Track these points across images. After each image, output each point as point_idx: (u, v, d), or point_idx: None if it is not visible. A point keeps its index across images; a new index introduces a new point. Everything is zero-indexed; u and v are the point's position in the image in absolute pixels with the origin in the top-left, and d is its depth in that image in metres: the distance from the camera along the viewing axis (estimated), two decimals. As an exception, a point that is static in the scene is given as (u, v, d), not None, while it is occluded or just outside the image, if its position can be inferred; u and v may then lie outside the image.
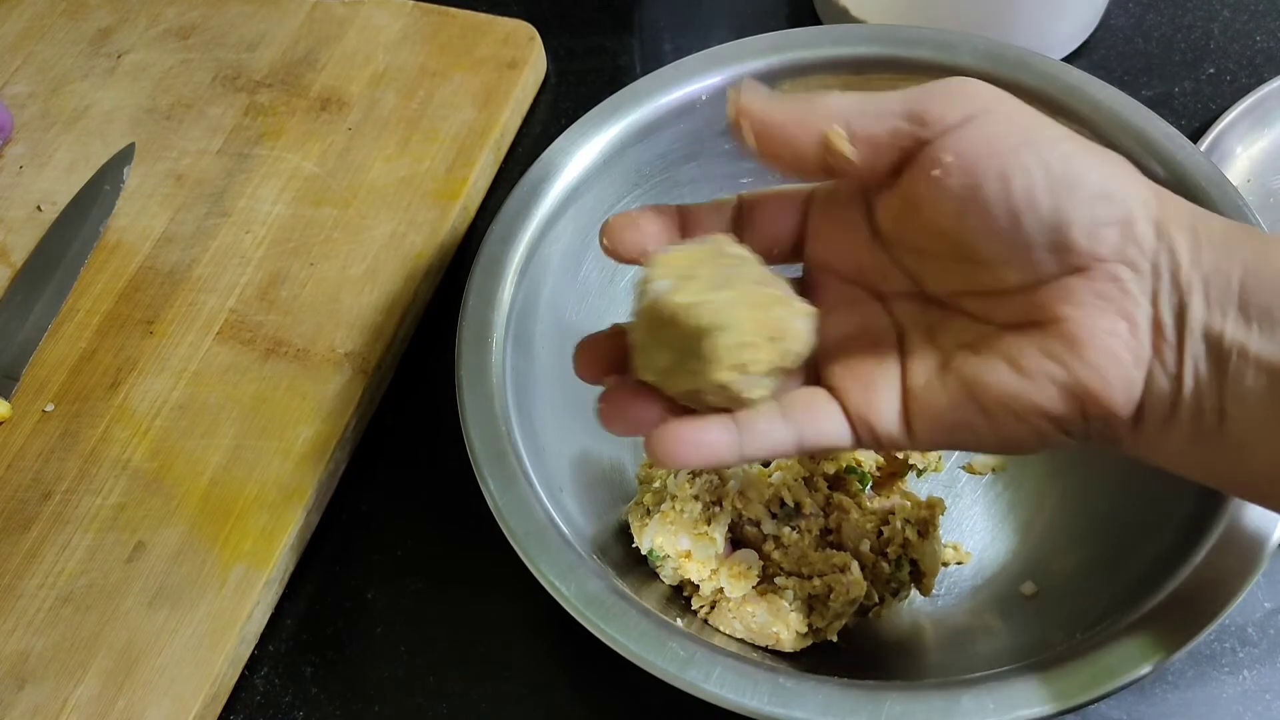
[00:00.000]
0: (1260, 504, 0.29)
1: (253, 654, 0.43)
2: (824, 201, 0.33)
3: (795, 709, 0.32)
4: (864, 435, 0.31)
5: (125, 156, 0.55)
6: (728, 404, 0.30)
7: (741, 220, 0.34)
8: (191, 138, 0.56)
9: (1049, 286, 0.28)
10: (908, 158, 0.29)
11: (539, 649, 0.43)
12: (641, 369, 0.31)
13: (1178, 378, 0.28)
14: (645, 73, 0.46)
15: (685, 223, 0.33)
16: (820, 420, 0.31)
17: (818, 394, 0.32)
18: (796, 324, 0.29)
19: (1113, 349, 0.28)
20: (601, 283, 0.47)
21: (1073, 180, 0.27)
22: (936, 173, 0.28)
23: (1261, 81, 0.54)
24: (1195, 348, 0.28)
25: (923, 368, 0.31)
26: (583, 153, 0.44)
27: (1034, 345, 0.29)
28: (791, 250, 0.34)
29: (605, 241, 0.32)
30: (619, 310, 0.47)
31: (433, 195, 0.53)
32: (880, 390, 0.31)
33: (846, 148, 0.29)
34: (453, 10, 0.60)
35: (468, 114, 0.56)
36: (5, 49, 0.61)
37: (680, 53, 0.47)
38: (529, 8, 0.63)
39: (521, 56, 0.58)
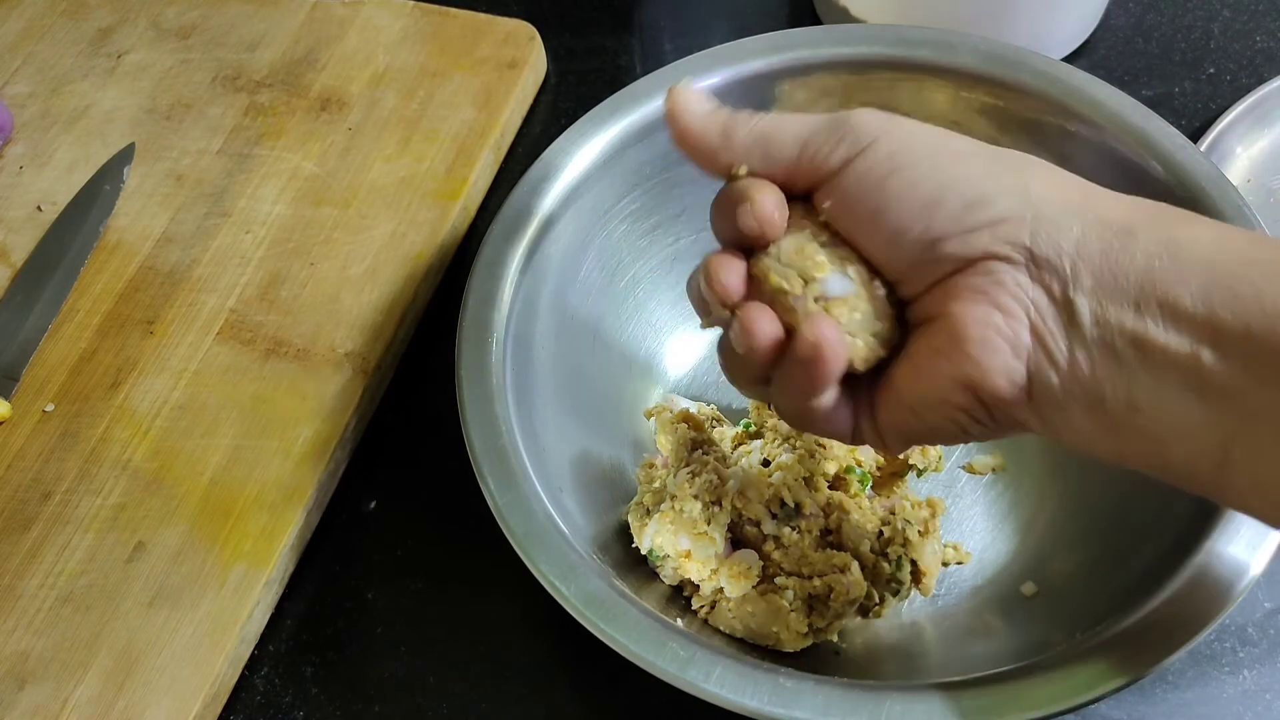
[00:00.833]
0: (1181, 488, 0.29)
1: (253, 654, 0.43)
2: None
3: (795, 709, 0.32)
4: (855, 437, 0.33)
5: (125, 156, 0.55)
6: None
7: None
8: (191, 138, 0.56)
9: (939, 286, 0.30)
10: (812, 187, 0.31)
11: (539, 649, 0.43)
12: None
13: (1069, 365, 0.28)
14: (645, 73, 0.46)
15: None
16: (839, 412, 0.32)
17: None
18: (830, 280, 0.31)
19: (987, 338, 0.29)
20: (601, 283, 0.47)
21: (938, 198, 0.29)
22: (822, 217, 0.31)
23: (1261, 81, 0.54)
24: (1087, 336, 0.28)
25: (880, 377, 0.32)
26: (583, 153, 0.44)
27: (926, 342, 0.30)
28: None
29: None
30: (619, 310, 0.47)
31: (433, 195, 0.53)
32: (860, 400, 0.33)
33: (743, 173, 0.31)
34: (453, 10, 0.60)
35: (468, 114, 0.56)
36: (5, 49, 0.61)
37: (680, 53, 0.47)
38: (529, 8, 0.63)
39: (521, 56, 0.58)
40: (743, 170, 0.31)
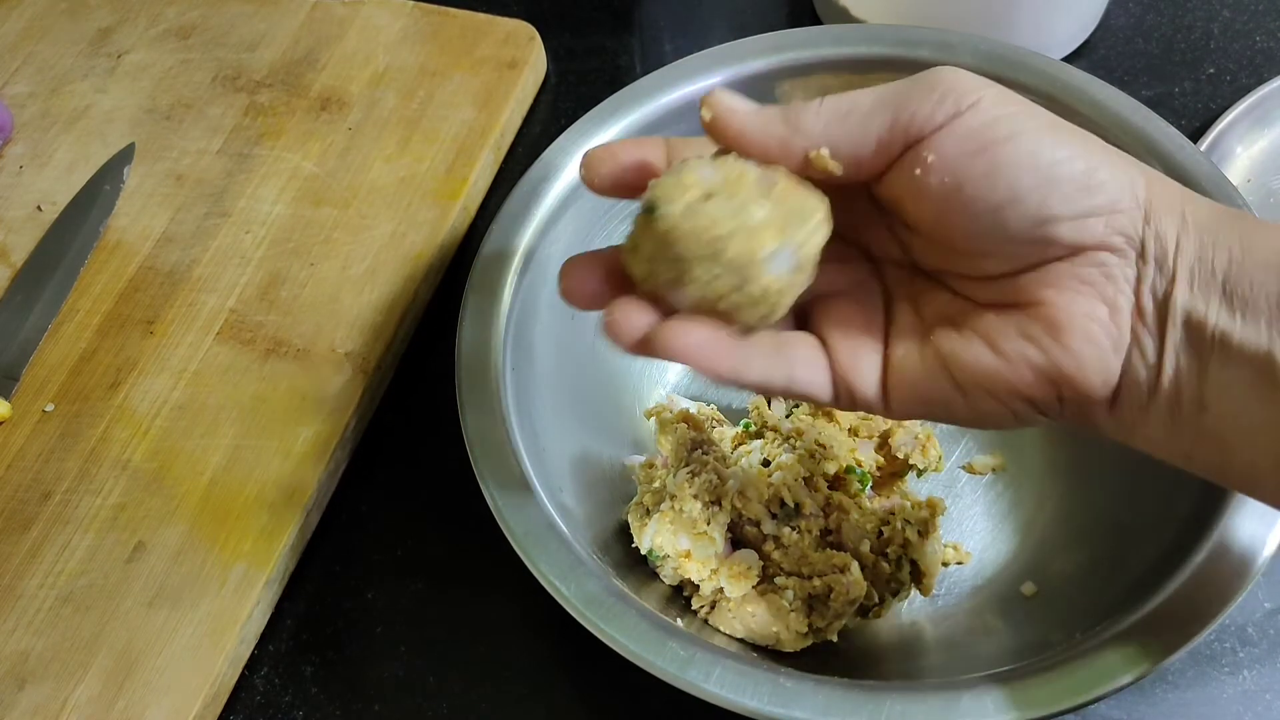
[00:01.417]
0: (1241, 492, 0.29)
1: (253, 654, 0.43)
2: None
3: (795, 709, 0.32)
4: (843, 395, 0.31)
5: (125, 156, 0.55)
6: (734, 315, 0.29)
7: None
8: (191, 138, 0.56)
9: (1032, 271, 0.28)
10: (896, 157, 0.29)
11: (539, 649, 0.43)
12: (628, 262, 0.29)
13: (1158, 364, 0.28)
14: (645, 73, 0.46)
15: (672, 155, 0.31)
16: (809, 368, 0.31)
17: (811, 342, 0.31)
18: (770, 261, 0.28)
19: (1091, 334, 0.28)
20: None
21: (1056, 174, 0.27)
22: (918, 172, 0.28)
23: (1261, 81, 0.54)
24: (1176, 334, 0.27)
25: (904, 337, 0.31)
26: (582, 153, 0.44)
27: (1013, 327, 0.29)
28: None
29: (583, 172, 0.31)
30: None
31: (433, 195, 0.53)
32: (863, 354, 0.31)
33: (832, 166, 0.29)
34: (453, 10, 0.60)
35: (468, 114, 0.56)
36: (5, 49, 0.61)
37: (680, 53, 0.47)
38: (529, 8, 0.63)
39: (521, 56, 0.58)
40: (825, 152, 0.28)
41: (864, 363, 0.31)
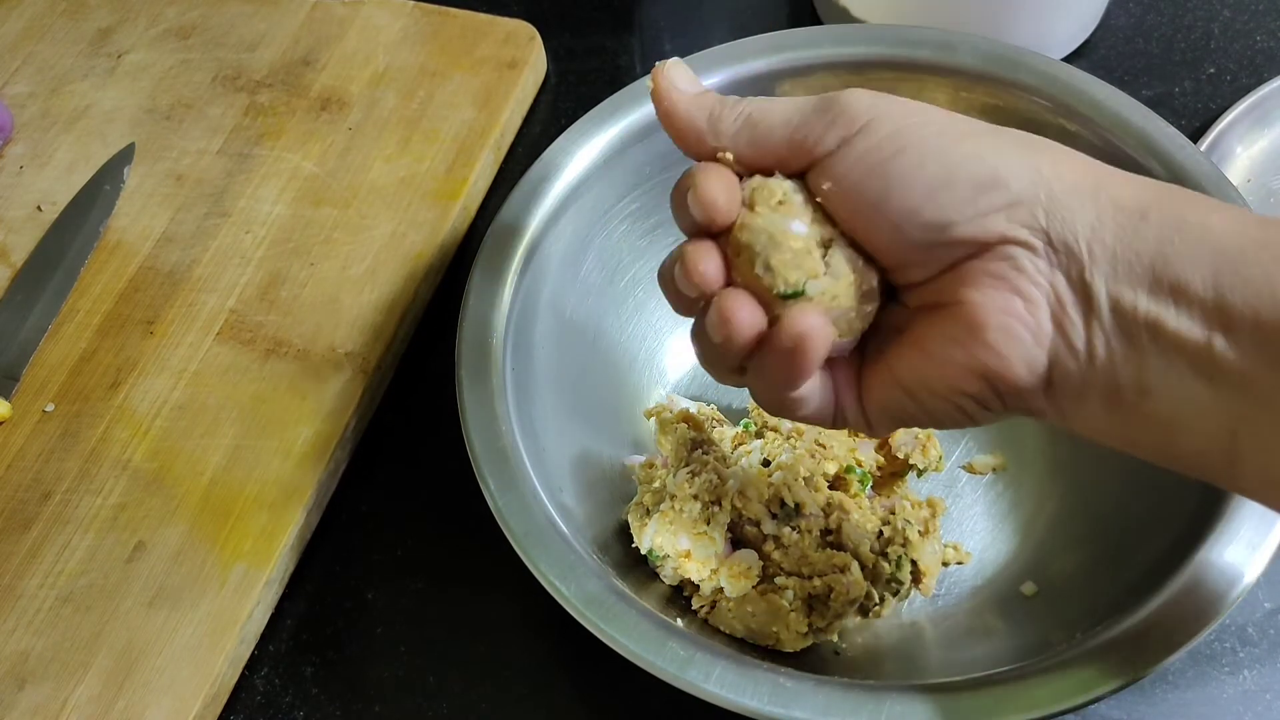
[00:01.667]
0: (1189, 475, 0.29)
1: (253, 654, 0.43)
2: None
3: (795, 709, 0.32)
4: (838, 420, 0.32)
5: (125, 156, 0.55)
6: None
7: None
8: (191, 138, 0.56)
9: (949, 273, 0.29)
10: (803, 170, 0.30)
11: (539, 649, 0.43)
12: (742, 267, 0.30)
13: (1088, 352, 0.28)
14: (645, 73, 0.46)
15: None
16: (821, 399, 0.32)
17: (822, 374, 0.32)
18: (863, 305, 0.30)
19: (1008, 327, 0.28)
20: (601, 283, 0.47)
21: (948, 180, 0.28)
22: (819, 199, 0.29)
23: (1261, 81, 0.54)
24: (1104, 322, 0.27)
25: (870, 352, 0.32)
26: (583, 153, 0.44)
27: (938, 329, 0.29)
28: None
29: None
30: (619, 310, 0.47)
31: (433, 195, 0.53)
32: (844, 381, 0.32)
33: (735, 169, 0.30)
34: (453, 10, 0.60)
35: (468, 114, 0.56)
36: (5, 49, 0.61)
37: (680, 53, 0.46)
38: (529, 8, 0.63)
39: (521, 56, 0.58)
40: (729, 156, 0.30)
41: (847, 389, 0.32)
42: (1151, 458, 0.29)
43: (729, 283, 0.30)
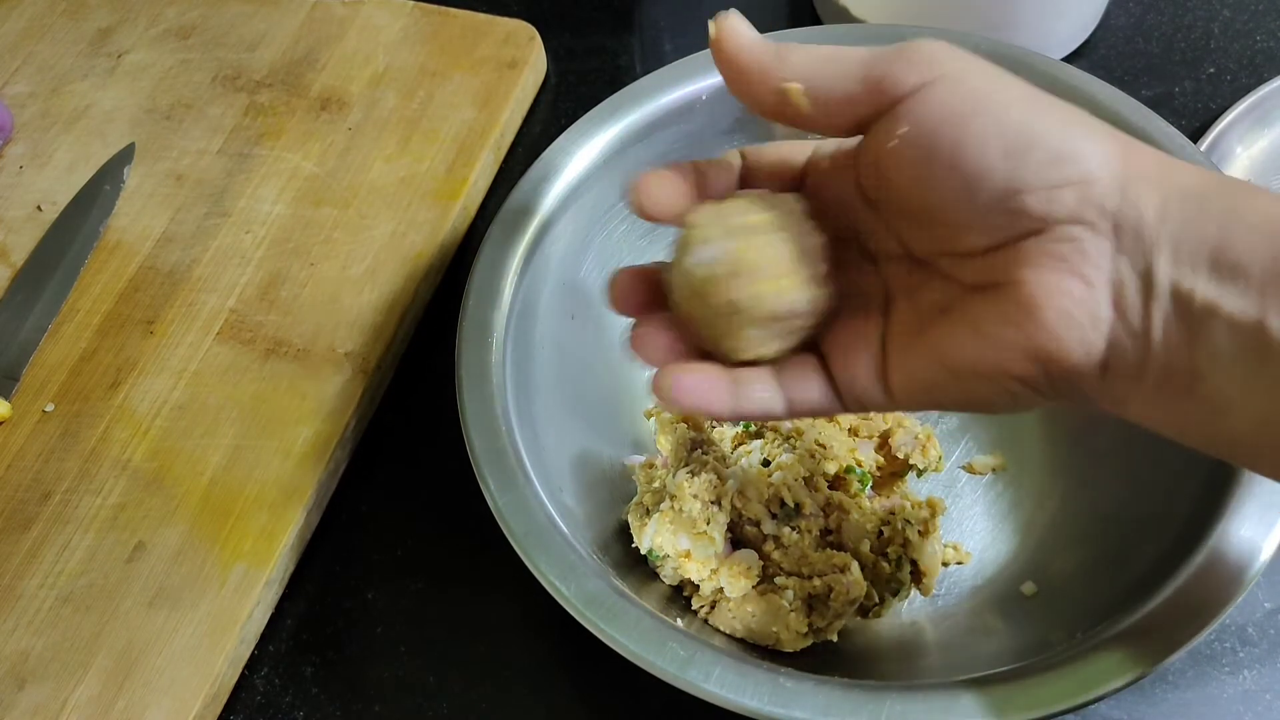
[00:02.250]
0: (1237, 464, 0.28)
1: (253, 654, 0.43)
2: (820, 166, 0.34)
3: (795, 709, 0.32)
4: (848, 400, 0.32)
5: (125, 156, 0.55)
6: (742, 357, 0.32)
7: (745, 181, 0.34)
8: (191, 138, 0.56)
9: (1008, 249, 0.28)
10: (867, 121, 0.29)
11: (539, 649, 0.43)
12: (674, 307, 0.33)
13: (1145, 336, 0.27)
14: (645, 73, 0.46)
15: (699, 181, 0.33)
16: (804, 386, 0.32)
17: (804, 362, 0.32)
18: (803, 300, 0.31)
19: (1066, 310, 0.28)
20: (601, 282, 0.46)
21: (1027, 144, 0.27)
22: (893, 143, 0.28)
23: (1261, 81, 0.54)
24: (1163, 306, 0.27)
25: (901, 330, 0.31)
26: (583, 153, 0.44)
27: (993, 308, 0.29)
28: None
29: (635, 199, 0.32)
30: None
31: (433, 195, 0.53)
32: (860, 354, 0.32)
33: (803, 104, 0.29)
34: (453, 10, 0.60)
35: (468, 114, 0.56)
36: (5, 49, 0.61)
37: (680, 53, 0.47)
38: (529, 8, 0.63)
39: (521, 56, 0.58)
40: (799, 87, 0.29)
41: (860, 364, 0.32)
42: (1200, 444, 0.29)
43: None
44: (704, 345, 0.32)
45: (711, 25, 0.30)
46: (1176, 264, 0.27)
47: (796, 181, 0.34)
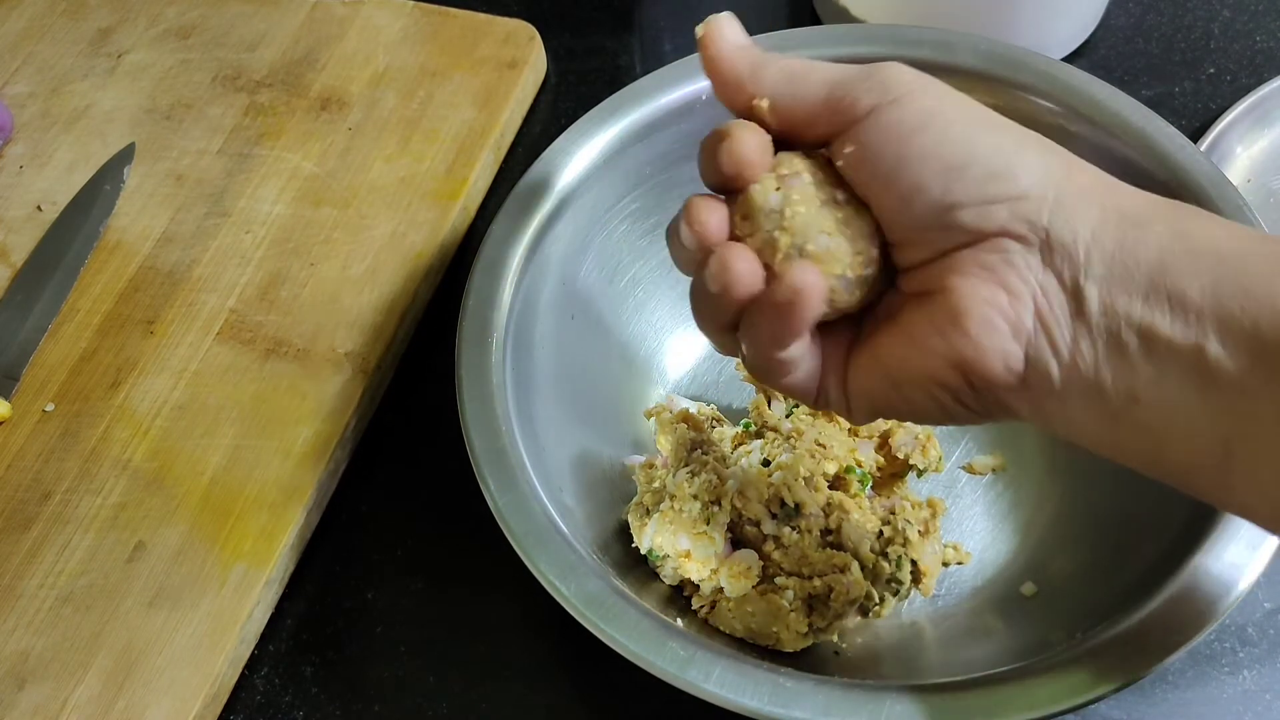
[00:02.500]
0: (1173, 485, 0.29)
1: (253, 654, 0.43)
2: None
3: (795, 709, 0.32)
4: (820, 400, 0.32)
5: (125, 156, 0.55)
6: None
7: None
8: (191, 138, 0.56)
9: (944, 259, 0.29)
10: (831, 135, 0.30)
11: (539, 649, 0.43)
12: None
13: (1071, 353, 0.28)
14: (645, 73, 0.46)
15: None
16: (805, 375, 0.32)
17: (813, 350, 0.32)
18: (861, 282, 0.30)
19: (988, 319, 0.28)
20: (601, 283, 0.47)
21: (965, 161, 0.28)
22: (840, 162, 0.30)
23: (1261, 81, 0.54)
24: (1094, 324, 0.27)
25: (860, 341, 0.32)
26: (583, 153, 0.44)
27: (924, 315, 0.29)
28: None
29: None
30: (619, 310, 0.47)
31: (433, 195, 0.53)
32: (831, 363, 0.32)
33: (768, 118, 0.30)
34: (453, 10, 0.60)
35: (468, 114, 0.56)
36: (5, 49, 0.61)
37: (680, 53, 0.47)
38: (529, 8, 0.63)
39: (521, 56, 0.58)
40: (765, 104, 0.30)
41: (833, 370, 0.32)
42: (1141, 467, 0.29)
43: (732, 239, 0.30)
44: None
45: (700, 28, 0.31)
46: (1110, 285, 0.27)
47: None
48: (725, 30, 0.31)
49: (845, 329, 0.32)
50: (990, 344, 0.28)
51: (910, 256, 0.30)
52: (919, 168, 0.28)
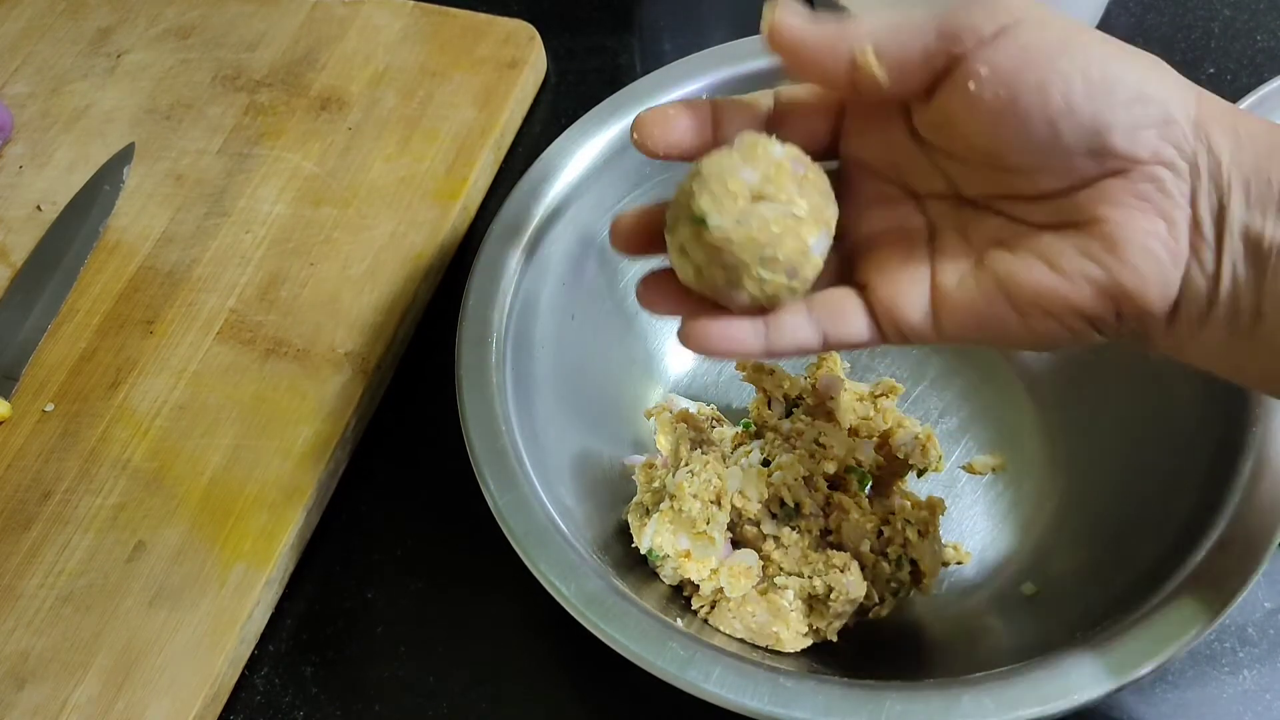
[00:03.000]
0: None
1: (253, 654, 0.43)
2: (863, 104, 0.33)
3: (795, 709, 0.32)
4: (889, 331, 0.32)
5: (125, 156, 0.55)
6: (755, 306, 0.31)
7: (776, 120, 0.34)
8: (191, 138, 0.56)
9: (1087, 189, 0.29)
10: (942, 74, 0.29)
11: (539, 649, 0.43)
12: (677, 266, 0.32)
13: (1215, 277, 0.28)
14: (645, 73, 0.46)
15: (717, 118, 0.33)
16: (845, 319, 0.32)
17: (844, 295, 0.32)
18: (814, 250, 0.30)
19: (1150, 249, 0.28)
20: (601, 283, 0.47)
21: (1110, 84, 0.27)
22: (972, 86, 0.28)
23: (1262, 81, 0.54)
24: (1234, 247, 0.28)
25: (954, 264, 0.31)
26: (583, 153, 0.44)
27: (1071, 245, 0.29)
28: (826, 149, 0.34)
29: (635, 135, 0.32)
30: (619, 310, 0.47)
31: (433, 195, 0.53)
32: (909, 285, 0.32)
33: (877, 70, 0.29)
34: (453, 10, 0.60)
35: (468, 114, 0.56)
36: (5, 49, 0.61)
37: (680, 53, 0.47)
38: (529, 8, 0.63)
39: (521, 56, 0.58)
40: (869, 52, 0.29)
41: (910, 294, 0.32)
42: (1258, 385, 0.30)
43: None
44: (710, 295, 0.32)
45: (764, 19, 0.30)
46: (1248, 206, 0.28)
47: (835, 119, 0.34)
48: (788, 15, 0.30)
49: (914, 252, 0.32)
50: (1152, 274, 0.28)
51: (1046, 184, 0.29)
52: (1066, 90, 0.27)
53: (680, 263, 0.32)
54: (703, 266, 0.31)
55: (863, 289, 0.32)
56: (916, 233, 0.33)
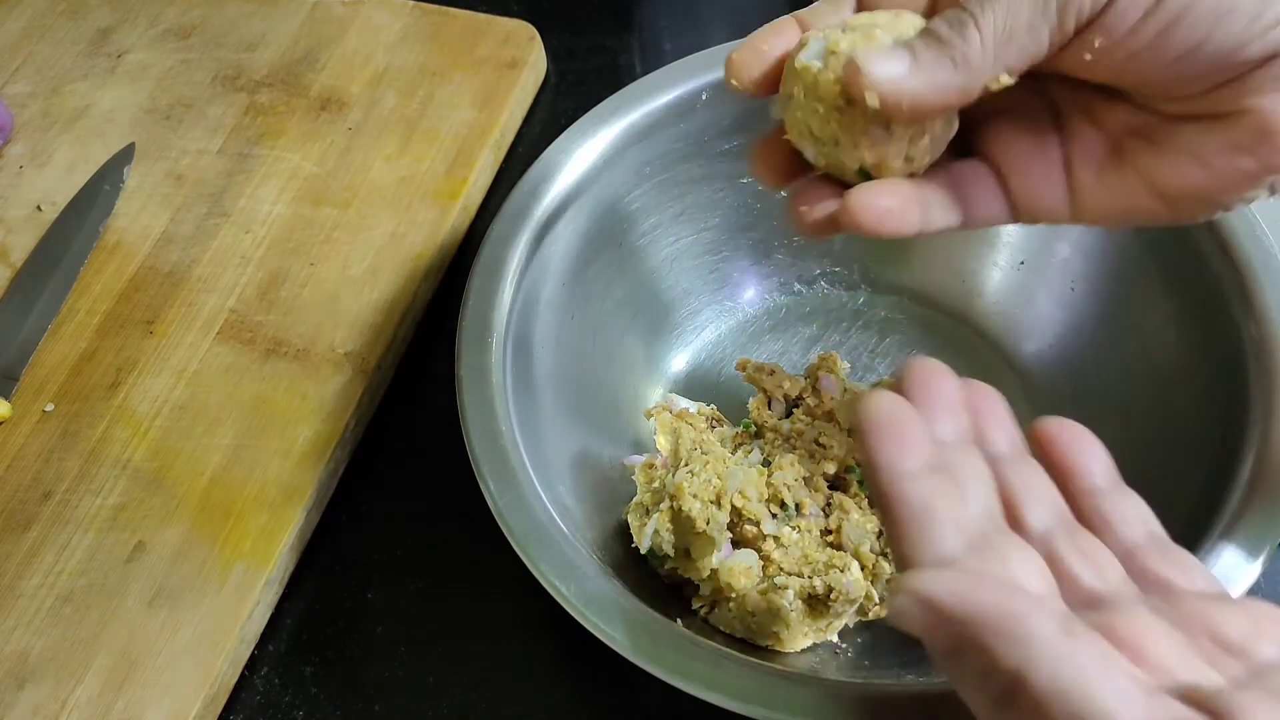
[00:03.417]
0: None
1: (253, 654, 0.43)
2: None
3: (795, 710, 0.32)
4: (1023, 213, 0.32)
5: (125, 156, 0.55)
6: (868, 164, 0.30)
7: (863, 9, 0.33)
8: (191, 138, 0.56)
9: (1226, 86, 0.29)
10: (1063, 45, 0.29)
11: (539, 649, 0.43)
12: (799, 137, 0.31)
13: None
14: (645, 72, 0.46)
15: (803, 27, 0.32)
16: (983, 201, 0.32)
17: (980, 172, 0.32)
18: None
19: None
20: (601, 283, 0.47)
21: (1230, 5, 0.27)
22: (1087, 57, 0.28)
23: (1261, 81, 0.54)
24: None
25: (1090, 153, 0.32)
26: (583, 153, 0.44)
27: (1218, 139, 0.29)
28: None
29: (733, 81, 0.31)
30: (619, 310, 0.47)
31: (433, 195, 0.53)
32: (1044, 172, 0.32)
33: (1007, 83, 0.29)
34: (453, 10, 0.60)
35: (468, 114, 0.56)
36: (5, 49, 0.61)
37: (680, 52, 0.47)
38: (529, 8, 0.63)
39: (521, 56, 0.58)
40: (1005, 78, 0.28)
41: (1046, 181, 0.32)
42: None
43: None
44: (833, 173, 0.31)
45: (847, 73, 0.28)
46: None
47: (929, 8, 0.32)
48: (886, 73, 0.28)
49: (1043, 133, 0.32)
50: None
51: (1180, 92, 0.29)
52: (1189, 24, 0.27)
53: (800, 139, 0.31)
54: (821, 132, 0.30)
55: (994, 166, 0.32)
56: (1040, 113, 0.32)
